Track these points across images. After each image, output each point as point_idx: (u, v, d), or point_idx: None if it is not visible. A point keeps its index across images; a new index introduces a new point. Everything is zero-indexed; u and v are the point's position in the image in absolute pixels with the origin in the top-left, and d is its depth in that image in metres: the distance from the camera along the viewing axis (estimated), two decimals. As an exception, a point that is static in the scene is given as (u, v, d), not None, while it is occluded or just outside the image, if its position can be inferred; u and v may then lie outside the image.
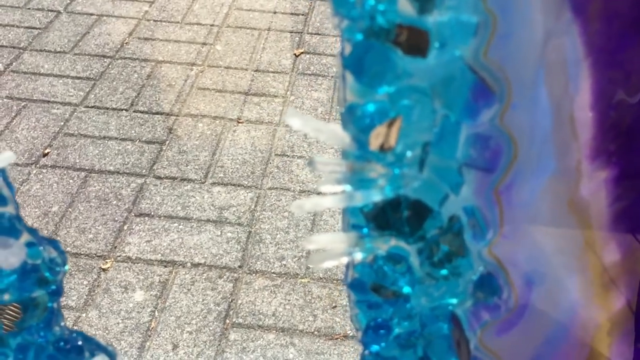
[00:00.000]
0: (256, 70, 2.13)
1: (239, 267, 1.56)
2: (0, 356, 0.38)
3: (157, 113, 1.94)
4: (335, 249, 0.35)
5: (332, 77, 2.23)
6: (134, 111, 1.94)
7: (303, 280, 1.54)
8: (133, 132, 1.87)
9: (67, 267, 0.38)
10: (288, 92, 2.05)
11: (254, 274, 1.54)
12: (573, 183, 0.32)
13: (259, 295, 1.50)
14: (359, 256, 0.35)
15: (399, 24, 0.28)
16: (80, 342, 0.40)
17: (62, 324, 0.40)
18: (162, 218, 1.65)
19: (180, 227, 1.64)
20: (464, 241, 0.34)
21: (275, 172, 1.79)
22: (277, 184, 1.76)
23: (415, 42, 0.29)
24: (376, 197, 0.33)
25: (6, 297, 0.37)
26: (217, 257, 1.57)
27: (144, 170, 1.77)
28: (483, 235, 0.33)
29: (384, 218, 0.33)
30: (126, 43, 2.17)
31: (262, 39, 2.26)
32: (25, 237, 0.37)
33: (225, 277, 1.54)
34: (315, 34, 2.31)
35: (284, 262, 1.57)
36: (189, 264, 1.55)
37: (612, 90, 0.30)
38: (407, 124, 0.31)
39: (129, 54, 2.13)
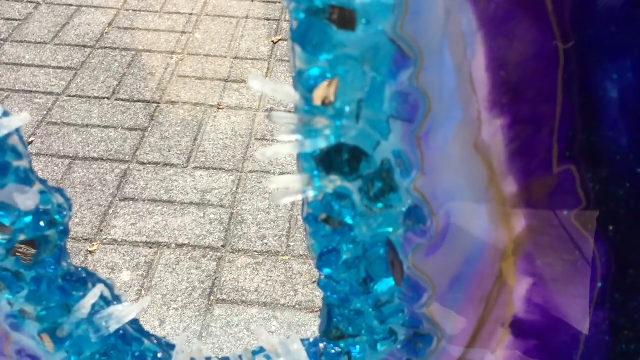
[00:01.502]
0: (235, 58, 2.20)
1: (222, 246, 1.64)
2: (17, 288, 0.47)
3: (138, 101, 2.01)
4: (293, 188, 0.44)
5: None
6: (115, 99, 2.01)
7: (284, 257, 1.63)
8: (115, 119, 1.95)
9: (72, 212, 0.47)
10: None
11: (236, 253, 1.63)
12: (476, 129, 0.41)
13: (242, 273, 1.59)
14: (311, 194, 0.44)
15: (332, 5, 0.37)
16: (84, 275, 0.49)
17: (69, 261, 0.48)
18: (146, 202, 1.73)
19: (164, 210, 1.72)
20: (394, 179, 0.43)
21: (255, 156, 1.88)
22: (257, 167, 1.85)
23: (346, 19, 0.38)
24: (322, 144, 0.42)
25: (22, 236, 0.45)
26: (201, 238, 1.66)
27: (128, 157, 1.84)
28: (408, 174, 0.43)
29: (329, 161, 0.42)
30: (106, 33, 2.24)
31: (241, 27, 2.34)
32: (38, 186, 0.45)
33: (209, 256, 1.62)
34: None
35: (265, 241, 1.66)
36: (173, 245, 1.64)
37: (500, 54, 0.39)
38: (343, 84, 0.40)
39: (110, 43, 2.20)
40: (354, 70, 0.39)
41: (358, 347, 0.50)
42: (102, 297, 0.49)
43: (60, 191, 0.46)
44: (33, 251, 0.45)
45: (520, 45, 0.39)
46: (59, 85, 2.04)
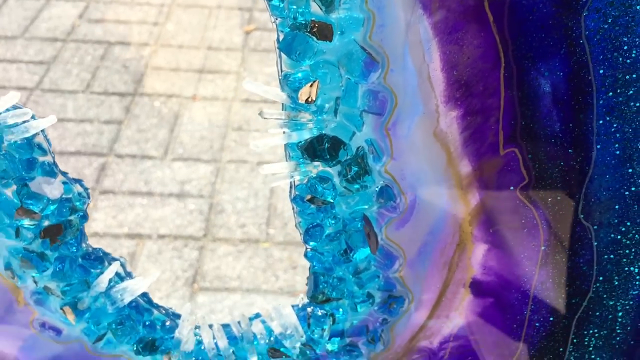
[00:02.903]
0: (209, 48, 2.28)
1: (203, 236, 1.73)
2: (42, 267, 0.55)
3: (113, 94, 2.08)
4: (282, 173, 0.53)
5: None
6: (90, 93, 2.07)
7: (264, 244, 1.72)
8: (91, 113, 2.01)
9: (90, 200, 0.55)
10: (241, 69, 2.21)
11: (217, 242, 1.72)
12: (435, 120, 0.51)
13: (224, 261, 1.68)
14: (297, 178, 0.53)
15: (312, 20, 0.46)
16: (101, 254, 0.58)
17: (87, 242, 0.57)
18: (125, 194, 1.81)
19: (144, 201, 1.80)
20: (368, 164, 0.52)
21: (232, 146, 1.96)
22: (235, 157, 1.93)
23: (324, 31, 0.47)
24: (307, 135, 0.51)
25: (46, 222, 0.54)
26: (182, 228, 1.74)
27: (105, 150, 1.91)
28: (380, 159, 0.52)
29: (313, 149, 0.51)
30: (77, 26, 2.29)
31: (213, 17, 2.41)
32: (60, 177, 0.54)
33: (190, 245, 1.71)
34: (264, 10, 2.46)
35: (245, 229, 1.75)
36: (155, 236, 1.72)
37: (452, 57, 0.48)
38: (323, 85, 0.49)
39: (81, 36, 2.25)
40: (332, 73, 0.49)
41: (341, 310, 0.60)
42: (116, 273, 0.58)
43: (79, 181, 0.55)
44: (62, 231, 0.53)
45: (468, 49, 0.48)
46: (32, 79, 2.09)
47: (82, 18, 2.32)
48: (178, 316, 0.62)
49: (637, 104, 0.50)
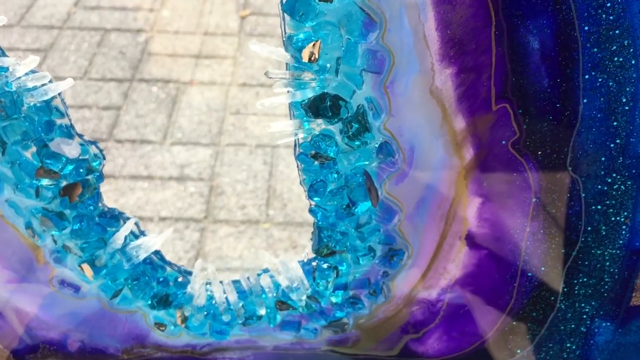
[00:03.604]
0: (205, 34, 2.30)
1: (204, 217, 1.77)
2: (62, 226, 0.58)
3: (111, 80, 2.10)
4: (286, 130, 0.57)
5: (279, 37, 2.42)
6: (88, 79, 2.10)
7: (264, 225, 1.76)
8: (89, 99, 2.04)
9: (105, 161, 0.59)
10: (238, 53, 2.24)
11: (218, 223, 1.76)
12: (430, 77, 0.54)
13: (225, 242, 1.72)
14: (301, 135, 0.57)
15: (314, -18, 0.50)
16: (116, 214, 0.61)
17: (103, 202, 0.61)
18: (126, 178, 1.84)
19: (145, 185, 1.83)
20: (368, 121, 0.56)
21: (231, 130, 1.99)
22: (233, 140, 1.96)
23: (325, -7, 0.50)
24: (310, 94, 0.55)
25: (64, 182, 0.57)
26: (183, 210, 1.77)
27: (104, 135, 1.94)
28: (379, 116, 0.56)
29: (315, 108, 0.55)
30: (73, 13, 2.31)
31: (208, 3, 2.44)
32: (77, 139, 0.57)
33: (191, 227, 1.74)
34: (260, -5, 2.49)
35: (245, 211, 1.79)
36: (156, 218, 1.75)
37: (446, 17, 0.52)
38: (324, 45, 0.53)
39: (77, 23, 2.27)
40: (333, 34, 0.52)
41: (344, 263, 0.63)
42: (131, 231, 0.62)
43: (94, 143, 0.58)
44: (79, 190, 0.57)
45: (460, 8, 0.52)
46: (30, 67, 2.12)
47: (77, 5, 2.35)
48: (190, 273, 0.66)
49: (620, 59, 0.54)
